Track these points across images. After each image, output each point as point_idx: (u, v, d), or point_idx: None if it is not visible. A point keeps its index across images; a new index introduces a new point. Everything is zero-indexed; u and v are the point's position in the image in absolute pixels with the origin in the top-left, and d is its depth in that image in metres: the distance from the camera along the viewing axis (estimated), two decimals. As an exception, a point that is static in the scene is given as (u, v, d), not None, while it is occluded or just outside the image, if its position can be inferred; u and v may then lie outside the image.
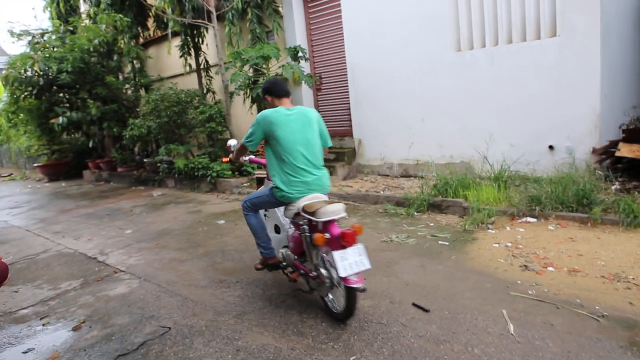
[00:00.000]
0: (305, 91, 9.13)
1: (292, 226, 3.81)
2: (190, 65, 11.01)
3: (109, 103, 12.25)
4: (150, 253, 5.45)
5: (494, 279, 3.71)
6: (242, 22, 9.34)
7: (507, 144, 6.51)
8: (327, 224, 3.11)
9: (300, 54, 8.58)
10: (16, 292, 4.72)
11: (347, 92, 8.50)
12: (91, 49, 11.53)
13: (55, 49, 11.95)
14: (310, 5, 8.98)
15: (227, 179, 8.86)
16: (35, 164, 15.80)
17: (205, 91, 10.93)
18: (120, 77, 12.86)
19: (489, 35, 6.64)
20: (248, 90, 9.11)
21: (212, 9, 8.86)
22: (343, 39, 8.32)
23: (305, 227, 3.30)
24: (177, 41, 10.91)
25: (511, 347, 2.73)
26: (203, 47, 10.82)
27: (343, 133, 8.90)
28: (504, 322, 3.02)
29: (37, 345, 3.48)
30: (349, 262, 2.95)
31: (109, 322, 3.68)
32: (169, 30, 10.43)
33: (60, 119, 11.84)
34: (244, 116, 10.07)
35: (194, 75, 11.17)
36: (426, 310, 3.27)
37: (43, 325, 3.81)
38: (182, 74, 11.52)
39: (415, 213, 5.80)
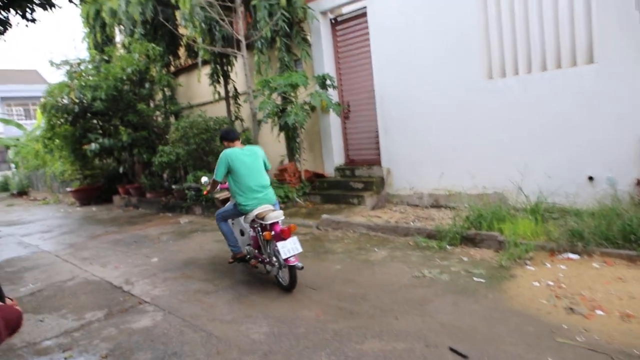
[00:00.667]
0: (333, 119, 9.08)
1: (251, 229, 5.21)
2: (219, 93, 11.14)
3: (140, 130, 12.47)
4: (176, 283, 5.36)
5: (537, 321, 3.46)
6: (270, 51, 9.42)
7: (543, 175, 6.26)
8: (272, 225, 4.63)
9: (328, 82, 8.56)
10: (41, 321, 4.68)
11: (375, 120, 8.41)
12: (124, 77, 11.83)
13: (90, 78, 12.30)
14: (338, 34, 9.00)
15: (253, 207, 8.78)
16: (68, 189, 16.15)
17: (233, 119, 11.01)
18: (152, 105, 13.11)
19: (521, 62, 6.48)
20: (276, 118, 9.12)
21: (242, 38, 8.97)
22: (371, 67, 8.27)
23: (259, 228, 4.90)
24: (207, 69, 11.08)
25: (561, 402, 2.49)
26: (232, 75, 10.95)
27: (371, 162, 8.76)
28: (551, 372, 2.77)
29: (58, 380, 3.39)
30: (288, 248, 4.44)
31: (131, 357, 3.57)
32: (199, 59, 10.61)
33: (93, 145, 12.10)
34: (271, 144, 10.06)
35: (223, 103, 11.29)
36: (464, 357, 3.04)
37: (65, 358, 3.73)
38: (211, 102, 11.66)
39: (448, 246, 5.57)
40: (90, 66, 13.09)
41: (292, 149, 9.60)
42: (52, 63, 13.17)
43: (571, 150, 6.08)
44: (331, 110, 8.57)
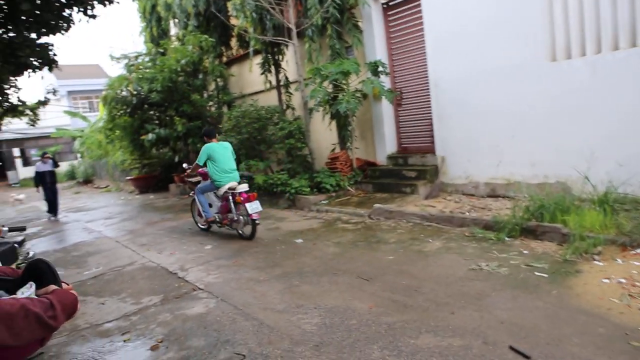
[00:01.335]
0: (385, 106, 8.87)
1: (220, 200, 7.33)
2: (270, 82, 11.18)
3: (194, 120, 12.76)
4: (228, 271, 5.43)
5: (608, 322, 3.20)
6: (321, 38, 9.32)
7: (613, 163, 5.82)
8: (241, 193, 6.67)
9: (380, 68, 8.36)
10: (103, 304, 4.87)
11: (429, 107, 8.14)
12: (178, 69, 12.11)
13: (147, 70, 12.68)
14: (390, 19, 8.75)
15: (305, 196, 8.78)
16: (128, 177, 16.85)
17: (285, 107, 11.02)
18: (205, 95, 13.38)
19: (590, 41, 6.02)
20: (327, 107, 9.03)
21: (292, 27, 8.92)
22: (425, 52, 7.99)
23: (230, 196, 6.90)
24: (258, 59, 11.13)
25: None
26: (283, 64, 10.94)
27: (425, 150, 8.51)
28: (625, 377, 2.55)
29: (117, 363, 3.49)
30: (253, 207, 6.45)
31: (185, 343, 3.63)
32: (251, 49, 10.67)
33: (150, 135, 12.51)
34: (323, 132, 10.00)
35: (274, 92, 11.32)
36: (527, 357, 2.86)
37: (124, 341, 3.85)
38: (262, 91, 11.72)
39: (507, 238, 5.30)
40: (146, 59, 13.51)
41: (344, 137, 9.49)
42: (112, 57, 13.71)
43: (646, 136, 5.61)
44: (383, 97, 8.37)
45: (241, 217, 6.83)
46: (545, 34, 6.39)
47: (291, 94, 11.02)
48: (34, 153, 33.02)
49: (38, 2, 5.85)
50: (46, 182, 12.10)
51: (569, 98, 6.23)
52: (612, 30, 5.81)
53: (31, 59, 7.72)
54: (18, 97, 11.75)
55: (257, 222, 6.60)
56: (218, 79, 12.99)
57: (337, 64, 8.41)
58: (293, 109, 11.03)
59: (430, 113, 8.14)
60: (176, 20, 13.48)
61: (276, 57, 10.91)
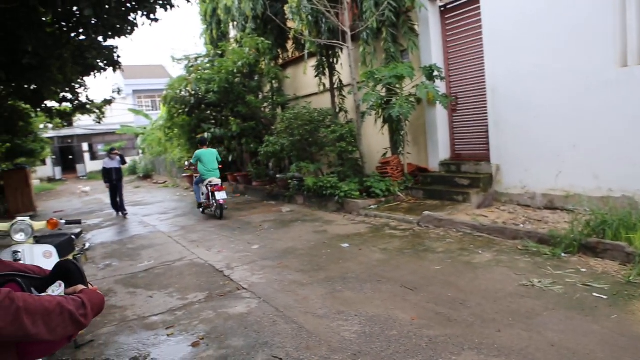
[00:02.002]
0: (440, 112, 8.65)
1: (205, 190, 9.83)
2: (324, 85, 11.20)
3: (248, 120, 13.00)
4: (273, 272, 5.46)
5: (674, 353, 2.94)
6: (376, 42, 9.22)
7: (688, 178, 5.36)
8: (215, 185, 9.55)
9: (435, 73, 8.16)
10: (151, 297, 5.03)
11: (485, 113, 7.85)
12: (235, 71, 12.39)
13: (205, 71, 13.07)
14: (447, 22, 8.52)
15: (354, 200, 8.71)
16: (184, 174, 17.42)
17: (337, 110, 11.01)
18: (260, 96, 13.60)
19: (666, 48, 5.59)
20: (380, 110, 8.93)
21: (347, 30, 8.88)
22: (482, 57, 7.72)
23: (209, 187, 9.61)
24: (313, 61, 11.19)
25: None
26: (337, 67, 10.93)
27: (479, 157, 8.22)
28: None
29: (159, 356, 3.58)
30: (220, 195, 9.43)
31: (225, 342, 3.67)
32: (306, 52, 10.73)
33: (206, 134, 12.86)
34: (375, 136, 9.90)
35: (328, 95, 11.33)
36: (579, 384, 2.67)
37: (168, 335, 3.95)
38: (316, 93, 11.77)
39: (563, 254, 5.00)
40: (205, 60, 13.92)
41: (396, 142, 9.35)
42: (173, 58, 14.25)
43: None
44: (438, 102, 8.16)
45: (213, 202, 9.62)
46: (616, 37, 6.00)
47: (344, 97, 10.99)
48: (100, 148, 34.96)
49: (105, 7, 6.14)
50: (112, 179, 11.74)
51: None
52: (692, 35, 5.37)
53: (97, 60, 8.14)
54: (87, 96, 12.44)
55: (224, 206, 9.53)
56: (273, 81, 13.17)
57: (391, 67, 8.29)
58: (346, 112, 11.00)
59: (486, 119, 7.86)
60: (235, 23, 13.80)
61: (331, 60, 10.92)
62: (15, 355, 1.33)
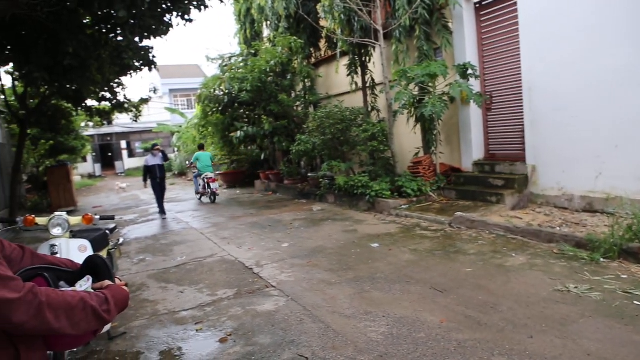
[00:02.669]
0: (474, 111, 8.47)
1: (203, 182, 13.07)
2: (356, 84, 11.15)
3: (280, 119, 13.09)
4: (302, 271, 5.47)
5: None
6: (409, 40, 9.11)
7: None
8: (209, 178, 12.83)
9: (469, 71, 7.99)
10: (182, 292, 5.12)
11: (521, 112, 7.64)
12: (268, 70, 12.49)
13: (238, 71, 13.23)
14: (482, 19, 8.33)
15: (385, 200, 8.63)
16: (217, 172, 17.71)
17: (369, 109, 10.94)
18: (292, 95, 13.67)
19: None
20: (412, 109, 8.82)
21: (380, 28, 8.81)
22: (519, 55, 7.51)
23: (206, 180, 12.86)
24: (345, 60, 11.16)
25: None
26: (370, 65, 10.86)
27: (514, 157, 8.01)
28: None
29: (188, 351, 3.64)
30: (214, 185, 12.67)
31: (252, 339, 3.70)
32: (338, 50, 10.71)
33: (239, 133, 13.04)
34: (407, 135, 9.78)
35: (360, 94, 11.27)
36: (615, 395, 2.56)
37: (196, 331, 4.01)
38: (348, 92, 11.73)
39: (602, 259, 4.81)
40: (239, 60, 14.09)
41: (428, 142, 9.22)
42: (207, 58, 14.49)
43: None
44: (472, 101, 7.99)
45: (209, 190, 12.69)
46: (661, 33, 5.73)
47: (377, 95, 10.92)
48: (138, 146, 35.93)
49: (140, 8, 6.30)
50: (155, 177, 11.13)
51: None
52: None
53: (133, 60, 8.36)
54: (124, 95, 12.79)
55: (217, 193, 12.70)
56: (305, 80, 13.21)
57: (424, 66, 8.18)
58: (378, 111, 10.92)
59: (521, 119, 7.64)
60: (268, 23, 13.90)
61: (363, 59, 10.86)
62: (43, 346, 1.37)
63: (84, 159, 28.53)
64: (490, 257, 5.28)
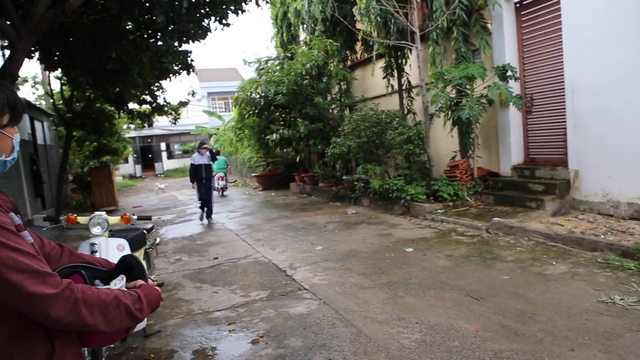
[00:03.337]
0: (513, 113, 8.24)
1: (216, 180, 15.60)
2: (392, 86, 11.05)
3: (316, 122, 13.11)
4: (335, 274, 5.45)
5: None
6: (446, 41, 8.96)
7: None
8: (219, 177, 15.77)
9: (509, 73, 7.79)
10: (216, 292, 5.20)
11: (564, 115, 7.37)
12: (304, 73, 12.55)
13: (275, 74, 13.35)
14: (523, 19, 8.10)
15: (420, 204, 8.51)
16: (253, 174, 17.92)
17: (405, 112, 10.83)
18: (328, 98, 13.69)
19: None
20: (449, 112, 8.67)
21: (416, 30, 8.70)
22: (561, 55, 7.26)
23: (218, 178, 15.53)
24: (381, 63, 11.08)
25: None
26: (406, 68, 10.75)
27: (555, 162, 7.74)
28: None
29: (220, 351, 3.68)
30: (222, 183, 16.10)
31: (284, 342, 3.70)
32: (374, 53, 10.65)
33: (274, 135, 13.15)
34: (443, 138, 9.62)
35: (396, 96, 11.17)
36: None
37: (229, 331, 4.05)
38: (384, 95, 11.64)
39: (650, 269, 4.58)
40: (275, 63, 14.23)
41: (465, 145, 9.04)
42: (245, 62, 14.72)
43: None
44: (511, 103, 7.78)
45: (220, 188, 14.83)
46: None
47: (413, 98, 10.79)
48: (176, 147, 36.79)
49: (178, 13, 6.46)
50: (201, 178, 10.35)
51: None
52: None
53: (172, 64, 8.58)
54: (164, 98, 13.14)
55: (225, 188, 15.69)
56: (341, 83, 13.20)
57: (461, 68, 8.02)
58: (414, 113, 10.79)
59: (564, 122, 7.38)
60: (304, 26, 13.98)
61: (399, 61, 10.76)
62: (78, 341, 1.41)
63: (126, 160, 29.46)
64: (528, 265, 5.11)
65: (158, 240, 5.39)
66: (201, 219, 10.56)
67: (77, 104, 13.32)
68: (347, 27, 11.83)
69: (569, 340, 3.32)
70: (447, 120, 8.89)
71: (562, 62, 7.28)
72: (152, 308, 1.45)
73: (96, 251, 3.51)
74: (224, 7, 7.19)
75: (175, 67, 9.07)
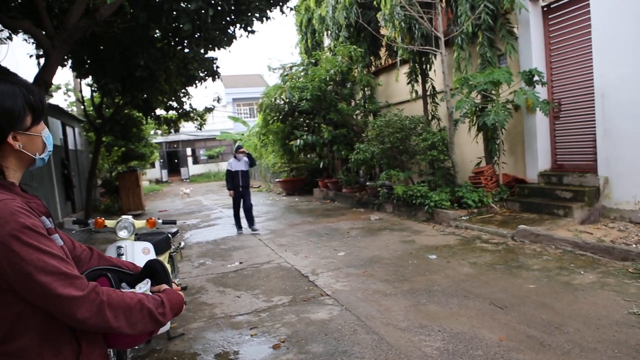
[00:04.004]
0: (540, 119, 8.10)
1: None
2: (416, 92, 10.99)
3: (340, 128, 13.13)
4: (357, 280, 5.44)
5: None
6: (471, 46, 8.86)
7: None
8: None
9: (536, 78, 7.67)
10: (239, 297, 5.24)
11: (593, 120, 7.21)
12: (328, 79, 12.59)
13: (299, 80, 13.44)
14: (551, 23, 7.96)
15: (444, 210, 8.43)
16: (277, 179, 18.03)
17: (430, 118, 10.75)
18: (352, 104, 13.69)
19: None
20: (474, 118, 8.57)
21: (440, 35, 8.65)
22: (591, 59, 7.11)
23: None
24: (405, 68, 11.04)
25: None
26: (430, 73, 10.68)
27: (584, 168, 7.56)
28: None
29: (242, 355, 3.71)
30: None
31: (305, 347, 3.71)
32: (398, 58, 10.62)
33: (298, 141, 13.22)
34: (468, 144, 9.51)
35: (420, 102, 11.10)
36: None
37: (251, 335, 4.08)
38: (408, 101, 11.58)
39: (684, 280, 4.43)
40: (300, 69, 14.33)
41: (491, 151, 8.91)
42: (269, 68, 14.85)
43: None
44: (538, 109, 7.65)
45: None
46: None
47: (437, 104, 10.72)
48: (202, 153, 37.31)
49: (204, 21, 6.60)
50: (237, 185, 9.45)
51: None
52: None
53: (198, 71, 8.74)
54: (190, 104, 13.37)
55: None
56: (365, 88, 13.20)
57: (486, 73, 7.93)
58: (439, 119, 10.71)
59: (593, 127, 7.22)
60: (329, 32, 14.04)
61: (423, 67, 10.70)
62: (103, 343, 1.45)
63: (152, 165, 30.01)
64: (555, 274, 5.00)
65: (182, 244, 5.47)
66: (239, 228, 9.66)
67: (107, 110, 13.68)
68: (371, 33, 11.84)
69: (598, 352, 3.23)
70: (472, 126, 8.78)
71: (591, 66, 7.13)
72: (175, 312, 1.48)
73: (122, 254, 3.59)
74: (249, 14, 7.29)
75: (201, 74, 9.25)
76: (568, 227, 6.66)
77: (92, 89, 12.33)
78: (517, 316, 3.97)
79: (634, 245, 5.58)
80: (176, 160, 38.73)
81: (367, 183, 12.27)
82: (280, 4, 7.65)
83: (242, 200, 9.55)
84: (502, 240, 6.70)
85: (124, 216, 3.86)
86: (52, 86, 12.75)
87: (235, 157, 9.55)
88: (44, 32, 6.28)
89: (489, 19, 8.23)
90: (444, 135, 9.38)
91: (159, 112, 13.87)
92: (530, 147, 8.40)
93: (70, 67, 9.69)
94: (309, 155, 16.37)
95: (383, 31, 11.34)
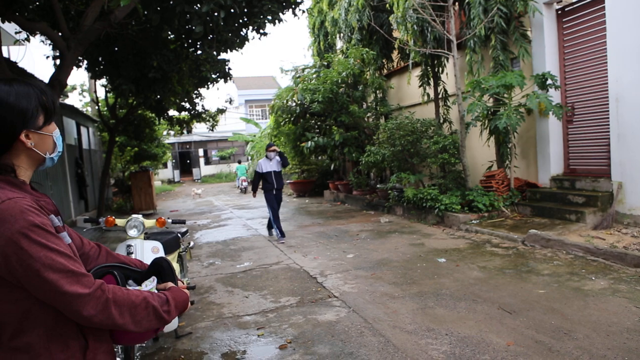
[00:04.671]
0: (553, 123, 8.03)
1: (240, 182, 21.28)
2: (428, 95, 10.96)
3: (351, 130, 13.13)
4: (365, 283, 5.43)
5: None
6: (484, 50, 8.82)
7: None
8: (242, 179, 21.30)
9: (549, 81, 7.60)
10: (247, 297, 5.27)
11: (607, 124, 7.12)
12: (339, 81, 12.61)
13: (311, 82, 13.47)
14: (565, 26, 7.89)
15: (455, 214, 8.38)
16: (288, 181, 18.07)
17: (441, 121, 10.71)
18: (363, 106, 13.69)
19: None
20: (486, 121, 8.52)
21: (453, 38, 8.62)
22: (605, 63, 7.03)
23: (241, 180, 21.33)
24: (417, 71, 11.02)
25: None
26: (442, 76, 10.65)
27: (597, 173, 7.48)
28: None
29: (248, 355, 3.73)
30: (245, 184, 20.72)
31: (311, 348, 3.72)
32: (410, 61, 10.60)
33: (309, 143, 13.24)
34: (479, 148, 9.46)
35: (432, 105, 11.07)
36: None
37: (258, 336, 4.10)
38: (420, 104, 11.55)
39: (698, 288, 4.36)
40: (312, 71, 14.36)
41: (502, 155, 8.85)
42: (281, 70, 14.91)
43: None
44: (551, 113, 7.58)
45: (242, 187, 18.56)
46: None
47: (449, 107, 10.68)
48: (214, 154, 37.53)
49: (217, 23, 6.66)
50: (272, 188, 8.48)
51: None
52: None
53: (211, 73, 8.81)
54: (202, 105, 13.47)
55: (246, 187, 19.13)
56: (377, 91, 13.18)
57: (499, 76, 7.87)
58: (450, 122, 10.66)
59: (607, 131, 7.13)
60: (341, 35, 14.05)
61: (435, 70, 10.68)
62: (109, 339, 1.48)
63: (165, 166, 30.22)
64: (566, 279, 4.95)
65: (192, 243, 5.51)
66: (270, 227, 9.06)
67: (120, 111, 13.84)
68: (383, 36, 11.83)
69: (607, 359, 3.19)
70: (484, 130, 8.73)
71: (605, 69, 7.06)
72: (180, 310, 1.50)
73: (132, 252, 3.64)
74: (262, 17, 7.34)
75: (214, 76, 9.32)
76: (580, 233, 6.59)
77: (107, 89, 12.50)
78: (525, 321, 3.94)
79: (647, 252, 5.50)
80: (188, 161, 38.99)
81: (378, 185, 12.26)
82: (293, 6, 7.67)
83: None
84: (512, 244, 6.65)
85: (134, 215, 3.91)
86: (68, 87, 12.95)
87: (266, 156, 8.56)
88: (60, 34, 6.38)
89: (502, 22, 8.18)
90: (456, 139, 9.34)
91: (172, 112, 14.00)
92: (542, 151, 8.33)
93: (86, 68, 9.83)
94: (319, 157, 16.39)
95: (395, 34, 11.33)
